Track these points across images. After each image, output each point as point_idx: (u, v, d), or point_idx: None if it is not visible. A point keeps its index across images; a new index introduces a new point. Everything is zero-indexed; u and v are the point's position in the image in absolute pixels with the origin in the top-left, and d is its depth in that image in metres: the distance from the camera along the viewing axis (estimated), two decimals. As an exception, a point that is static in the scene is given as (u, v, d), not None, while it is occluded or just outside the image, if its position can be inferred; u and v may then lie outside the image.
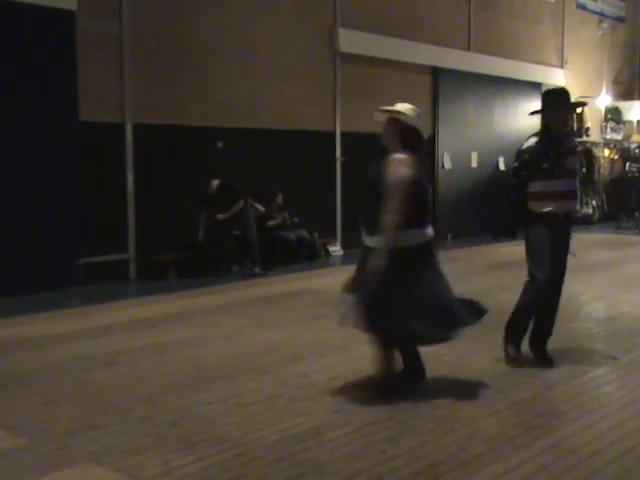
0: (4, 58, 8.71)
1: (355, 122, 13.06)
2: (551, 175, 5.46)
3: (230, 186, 10.45)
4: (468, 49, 15.51)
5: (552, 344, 5.85)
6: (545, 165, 5.46)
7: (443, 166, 15.09)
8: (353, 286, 4.92)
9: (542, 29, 17.67)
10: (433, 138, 14.86)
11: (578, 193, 5.65)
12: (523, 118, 16.93)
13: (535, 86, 17.16)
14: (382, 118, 5.03)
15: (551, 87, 6.10)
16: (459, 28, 15.37)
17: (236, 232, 10.61)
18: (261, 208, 11.12)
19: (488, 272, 10.80)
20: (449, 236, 14.92)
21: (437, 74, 14.79)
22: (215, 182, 10.53)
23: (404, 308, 4.71)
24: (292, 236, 11.49)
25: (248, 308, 8.17)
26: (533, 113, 6.19)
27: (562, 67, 18.25)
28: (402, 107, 4.95)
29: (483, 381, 5.35)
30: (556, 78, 17.93)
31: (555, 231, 5.58)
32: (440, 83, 14.88)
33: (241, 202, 10.45)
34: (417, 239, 4.82)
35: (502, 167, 16.36)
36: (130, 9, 10.06)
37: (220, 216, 10.37)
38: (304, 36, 12.37)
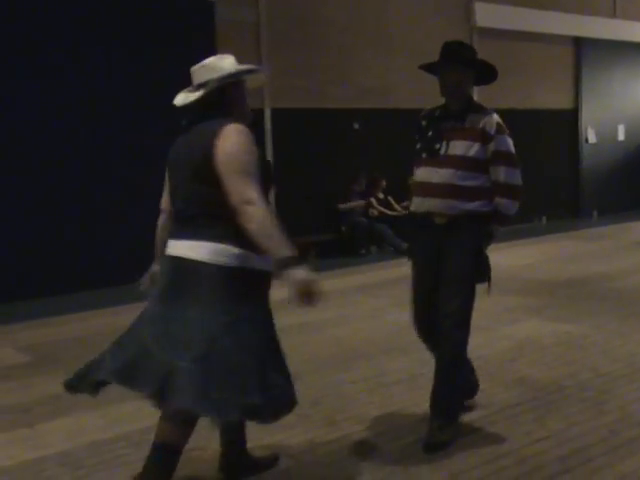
0: (147, 50, 9.07)
1: (493, 99, 12.70)
2: (418, 160, 4.12)
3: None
4: (613, 16, 14.76)
5: None
6: (418, 146, 4.15)
7: (587, 140, 14.52)
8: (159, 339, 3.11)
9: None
10: (576, 112, 14.34)
11: (462, 189, 3.93)
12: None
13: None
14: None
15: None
16: (602, -7, 14.66)
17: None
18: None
19: (636, 249, 10.32)
20: (594, 213, 14.38)
21: (580, 45, 14.20)
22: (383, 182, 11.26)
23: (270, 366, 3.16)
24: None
25: (387, 288, 8.18)
26: (424, 67, 4.40)
27: None
28: (211, 64, 3.43)
29: (633, 363, 5.14)
30: None
31: (417, 241, 4.21)
32: (583, 54, 14.28)
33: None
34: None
35: (652, 139, 15.60)
36: (266, -4, 10.25)
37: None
38: (439, 12, 12.17)
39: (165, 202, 3.46)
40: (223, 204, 3.00)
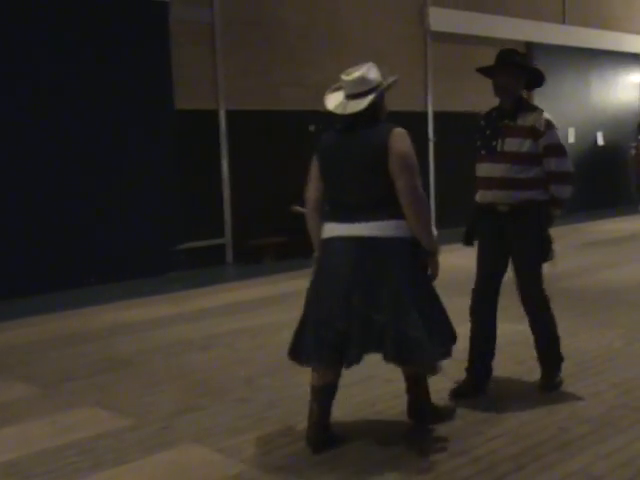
0: (100, 49, 8.98)
1: (447, 101, 12.88)
2: (479, 156, 4.65)
3: None
4: (563, 22, 15.04)
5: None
6: (478, 143, 4.66)
7: (539, 143, 14.72)
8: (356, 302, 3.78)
9: (642, -4, 16.94)
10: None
11: (518, 181, 4.46)
12: (622, 91, 16.38)
13: (635, 57, 16.56)
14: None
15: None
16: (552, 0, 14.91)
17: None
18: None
19: (585, 250, 10.50)
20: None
21: (531, 49, 14.41)
22: None
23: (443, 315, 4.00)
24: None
25: (343, 290, 8.18)
26: (480, 71, 4.76)
27: (665, 36, 17.46)
28: (366, 74, 3.92)
29: (582, 362, 5.22)
30: (658, 47, 17.22)
31: (482, 227, 4.68)
32: (534, 58, 14.47)
33: None
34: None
35: (601, 142, 15.89)
36: (221, -3, 10.21)
37: None
38: (394, 15, 12.25)
39: (314, 193, 4.01)
40: (393, 191, 3.74)
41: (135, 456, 3.92)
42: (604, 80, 15.95)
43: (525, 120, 4.47)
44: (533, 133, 4.44)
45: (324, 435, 3.92)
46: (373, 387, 4.86)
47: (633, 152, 15.87)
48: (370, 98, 3.82)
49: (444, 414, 4.25)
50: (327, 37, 11.38)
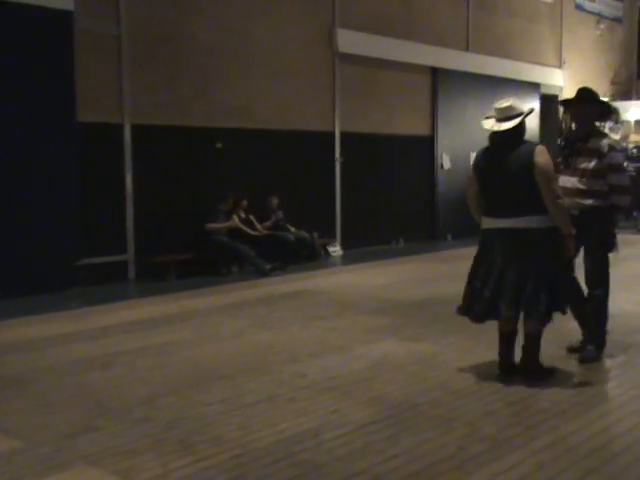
0: (1, 59, 8.69)
1: (354, 122, 13.04)
2: (559, 170, 5.77)
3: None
4: (467, 49, 15.51)
5: (548, 343, 5.82)
6: (559, 159, 5.85)
7: (442, 166, 15.07)
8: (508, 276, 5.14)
9: (540, 29, 17.67)
10: (432, 138, 14.88)
11: (584, 191, 5.65)
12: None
13: (534, 86, 17.20)
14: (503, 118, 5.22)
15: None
16: (457, 28, 15.35)
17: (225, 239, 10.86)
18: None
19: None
20: (449, 236, 14.92)
21: (436, 74, 14.79)
22: (244, 202, 11.15)
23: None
24: (291, 237, 11.48)
25: (248, 308, 8.16)
26: (564, 103, 6.27)
27: (560, 67, 18.26)
28: (514, 104, 5.21)
29: (480, 380, 5.33)
30: (555, 78, 17.97)
31: None
32: (439, 83, 14.87)
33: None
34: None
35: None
36: (128, 10, 10.06)
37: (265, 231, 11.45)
38: (303, 36, 12.36)
39: (473, 191, 5.50)
40: (537, 194, 5.06)
41: None
42: (505, 107, 16.49)
43: (594, 143, 5.64)
44: (598, 154, 5.60)
45: (508, 365, 5.36)
46: (276, 406, 4.84)
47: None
48: (517, 120, 5.11)
49: (547, 374, 5.38)
50: (237, 56, 11.36)
